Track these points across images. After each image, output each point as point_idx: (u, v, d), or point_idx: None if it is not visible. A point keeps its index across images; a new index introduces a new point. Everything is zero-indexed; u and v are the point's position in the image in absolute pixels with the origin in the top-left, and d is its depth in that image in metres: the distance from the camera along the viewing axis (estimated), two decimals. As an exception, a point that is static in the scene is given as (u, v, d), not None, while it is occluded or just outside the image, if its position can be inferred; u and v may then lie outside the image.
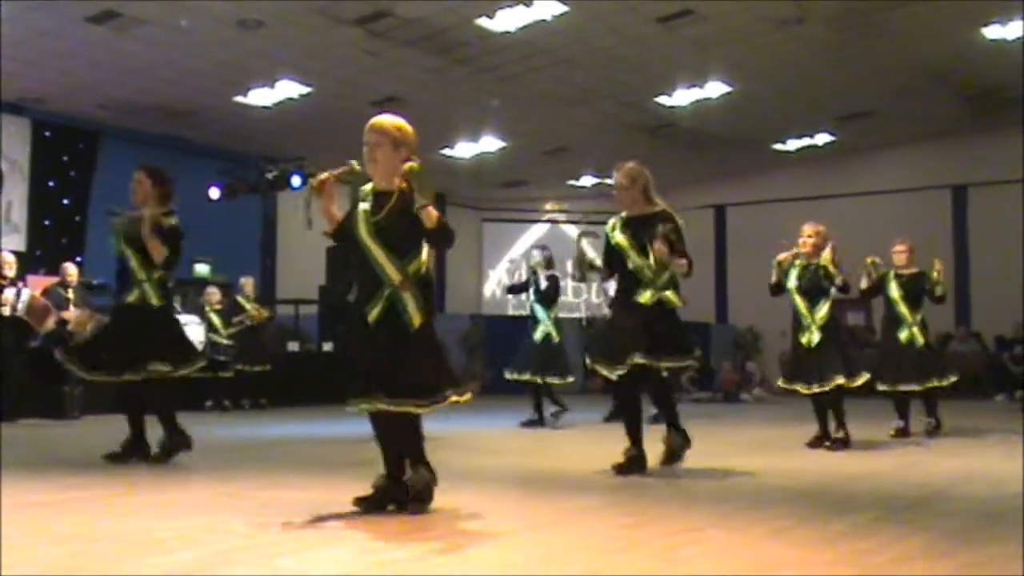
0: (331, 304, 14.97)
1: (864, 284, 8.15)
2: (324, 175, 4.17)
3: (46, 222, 14.32)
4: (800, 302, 7.19)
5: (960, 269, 17.75)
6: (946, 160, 18.07)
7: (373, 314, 4.11)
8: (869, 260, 8.18)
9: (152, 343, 5.87)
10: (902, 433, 8.02)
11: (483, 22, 11.50)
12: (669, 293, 5.54)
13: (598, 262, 5.85)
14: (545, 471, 5.98)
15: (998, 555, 3.35)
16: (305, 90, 13.53)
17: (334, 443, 7.74)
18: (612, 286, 6.18)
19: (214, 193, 14.81)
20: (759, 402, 15.21)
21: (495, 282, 21.82)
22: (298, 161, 14.80)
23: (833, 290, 7.15)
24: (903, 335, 8.09)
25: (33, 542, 3.43)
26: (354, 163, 4.24)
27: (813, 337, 7.04)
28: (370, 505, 4.07)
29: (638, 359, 5.35)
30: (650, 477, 5.40)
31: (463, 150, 17.06)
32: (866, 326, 16.37)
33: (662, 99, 14.74)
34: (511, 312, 18.84)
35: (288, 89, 13.49)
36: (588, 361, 5.82)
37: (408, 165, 4.07)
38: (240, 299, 12.37)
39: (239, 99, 13.77)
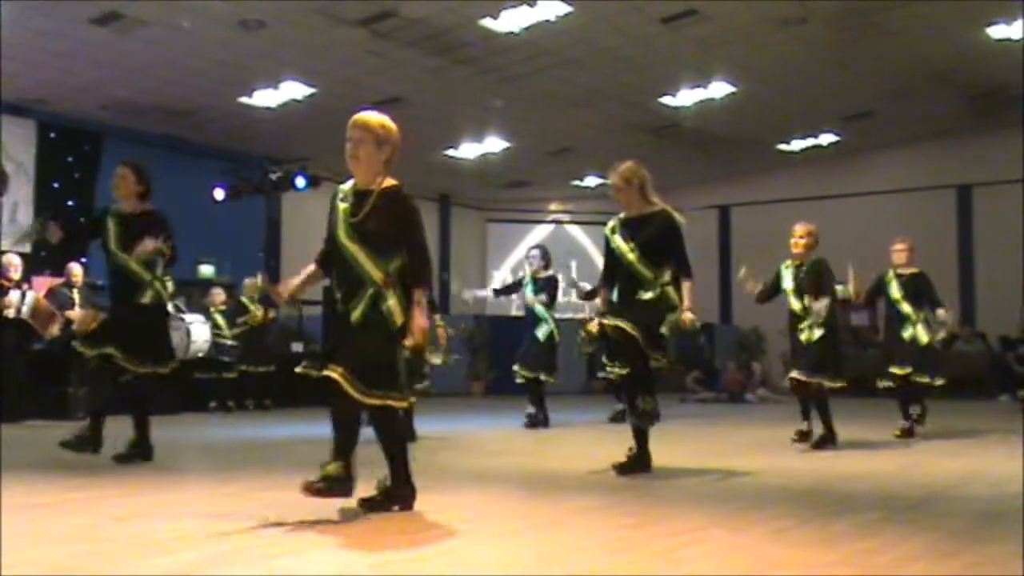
0: (335, 305, 14.94)
1: (862, 298, 8.10)
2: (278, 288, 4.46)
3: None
4: (796, 304, 7.21)
5: (965, 269, 17.71)
6: (949, 160, 18.03)
7: (356, 314, 4.06)
8: (852, 271, 7.84)
9: (139, 340, 5.91)
10: (907, 433, 8.02)
11: (487, 23, 11.49)
12: (669, 290, 5.53)
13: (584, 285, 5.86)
14: (547, 471, 5.99)
15: (1000, 555, 3.35)
16: (309, 91, 13.54)
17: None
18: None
19: (219, 194, 14.82)
20: (763, 402, 15.21)
21: (499, 283, 21.79)
22: (302, 161, 14.82)
23: (840, 288, 7.19)
24: (907, 333, 8.09)
25: (34, 543, 3.44)
26: (258, 278, 4.36)
27: (813, 334, 7.07)
28: (373, 506, 4.07)
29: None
30: (651, 477, 5.40)
31: (467, 151, 17.06)
32: (870, 326, 16.31)
33: (666, 99, 14.72)
34: (515, 313, 18.81)
35: (292, 90, 13.50)
36: (604, 359, 5.77)
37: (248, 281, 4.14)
38: (244, 300, 12.38)
39: (244, 100, 13.77)
